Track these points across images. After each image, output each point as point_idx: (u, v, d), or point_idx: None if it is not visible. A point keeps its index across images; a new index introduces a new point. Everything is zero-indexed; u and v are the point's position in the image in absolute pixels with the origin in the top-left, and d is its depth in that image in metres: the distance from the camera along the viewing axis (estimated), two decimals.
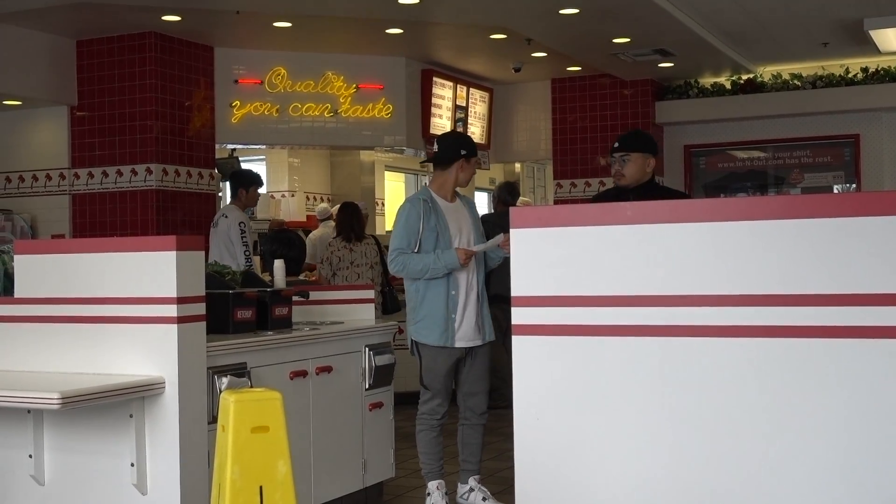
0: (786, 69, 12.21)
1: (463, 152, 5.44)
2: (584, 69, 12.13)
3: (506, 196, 9.16)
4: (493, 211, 9.77)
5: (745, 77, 12.31)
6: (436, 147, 5.59)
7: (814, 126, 12.20)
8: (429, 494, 5.46)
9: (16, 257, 4.11)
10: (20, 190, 10.26)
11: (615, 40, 10.32)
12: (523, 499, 2.93)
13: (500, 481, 6.06)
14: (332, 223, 9.61)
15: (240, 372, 4.16)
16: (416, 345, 5.38)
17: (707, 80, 12.55)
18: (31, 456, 3.94)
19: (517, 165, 15.32)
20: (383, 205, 13.57)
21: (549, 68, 12.09)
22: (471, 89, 12.58)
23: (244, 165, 11.47)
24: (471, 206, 5.66)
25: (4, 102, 9.87)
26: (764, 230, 2.70)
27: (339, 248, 8.46)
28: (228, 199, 8.59)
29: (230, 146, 11.21)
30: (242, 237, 7.85)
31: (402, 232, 5.33)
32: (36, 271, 4.05)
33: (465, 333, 5.37)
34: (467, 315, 5.37)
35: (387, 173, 14.11)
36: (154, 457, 3.76)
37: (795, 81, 12.05)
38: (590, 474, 2.86)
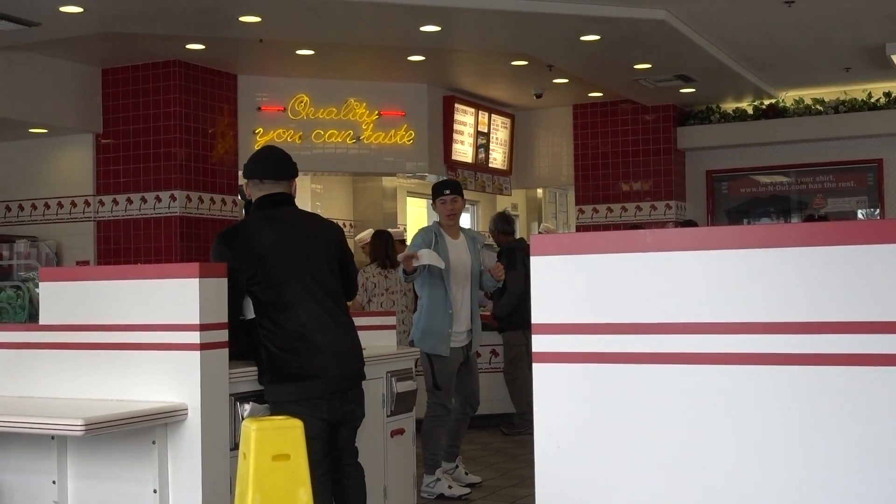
0: (808, 94, 12.20)
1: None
2: (605, 95, 12.17)
3: (503, 226, 9.21)
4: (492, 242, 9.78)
5: (767, 102, 12.30)
6: None
7: (837, 151, 12.18)
8: (438, 479, 6.43)
9: (41, 284, 4.15)
10: (45, 217, 10.36)
11: (636, 66, 10.35)
12: None
13: None
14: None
15: (262, 399, 4.17)
16: (425, 353, 6.36)
17: (729, 106, 12.55)
18: (54, 482, 3.95)
19: (539, 191, 15.33)
20: (405, 230, 13.61)
21: (571, 94, 12.13)
22: (492, 115, 12.62)
23: None
24: (473, 241, 6.61)
25: (31, 130, 9.99)
26: (786, 257, 2.70)
27: (374, 275, 8.49)
28: None
29: None
30: None
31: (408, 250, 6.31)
32: (60, 298, 4.08)
33: (458, 339, 6.43)
34: (460, 326, 6.41)
35: (409, 199, 14.15)
36: (177, 483, 3.76)
37: (818, 106, 12.03)
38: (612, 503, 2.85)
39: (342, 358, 4.21)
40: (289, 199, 4.37)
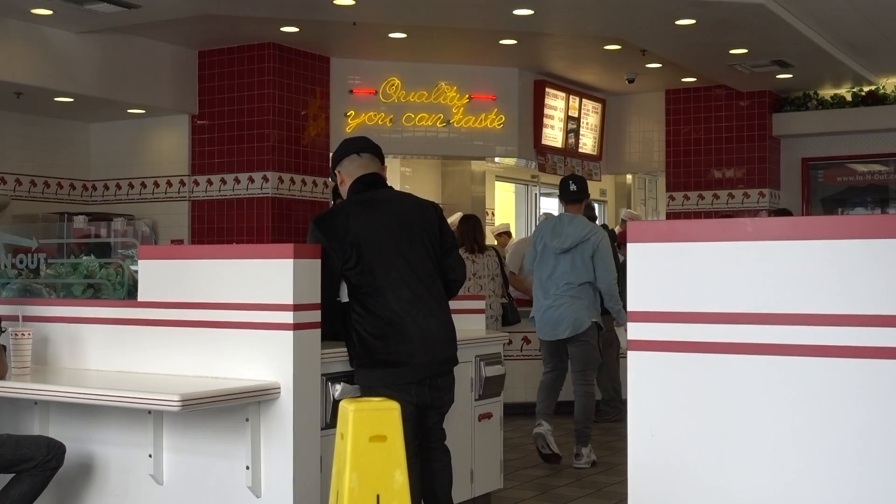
0: None
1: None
2: (699, 80, 11.98)
3: (587, 212, 9.20)
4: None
5: (866, 89, 11.99)
6: (575, 186, 7.24)
7: None
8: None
9: (140, 262, 4.23)
10: (142, 196, 10.59)
11: (732, 51, 10.17)
12: None
13: (611, 496, 6.00)
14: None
15: (353, 380, 4.21)
16: (599, 326, 7.06)
17: (827, 92, 12.26)
18: (150, 456, 4.05)
19: (628, 177, 15.18)
20: (493, 214, 13.59)
21: (664, 79, 11.98)
22: (583, 100, 12.53)
23: None
24: None
25: (129, 111, 10.20)
26: (887, 248, 2.63)
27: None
28: None
29: None
30: None
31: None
32: (159, 276, 4.16)
33: None
34: None
35: (497, 183, 14.13)
36: (268, 460, 3.82)
37: None
38: (704, 493, 2.82)
39: (431, 344, 4.19)
40: (382, 181, 4.38)
